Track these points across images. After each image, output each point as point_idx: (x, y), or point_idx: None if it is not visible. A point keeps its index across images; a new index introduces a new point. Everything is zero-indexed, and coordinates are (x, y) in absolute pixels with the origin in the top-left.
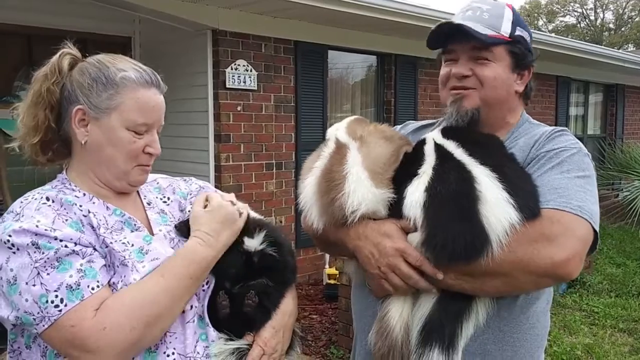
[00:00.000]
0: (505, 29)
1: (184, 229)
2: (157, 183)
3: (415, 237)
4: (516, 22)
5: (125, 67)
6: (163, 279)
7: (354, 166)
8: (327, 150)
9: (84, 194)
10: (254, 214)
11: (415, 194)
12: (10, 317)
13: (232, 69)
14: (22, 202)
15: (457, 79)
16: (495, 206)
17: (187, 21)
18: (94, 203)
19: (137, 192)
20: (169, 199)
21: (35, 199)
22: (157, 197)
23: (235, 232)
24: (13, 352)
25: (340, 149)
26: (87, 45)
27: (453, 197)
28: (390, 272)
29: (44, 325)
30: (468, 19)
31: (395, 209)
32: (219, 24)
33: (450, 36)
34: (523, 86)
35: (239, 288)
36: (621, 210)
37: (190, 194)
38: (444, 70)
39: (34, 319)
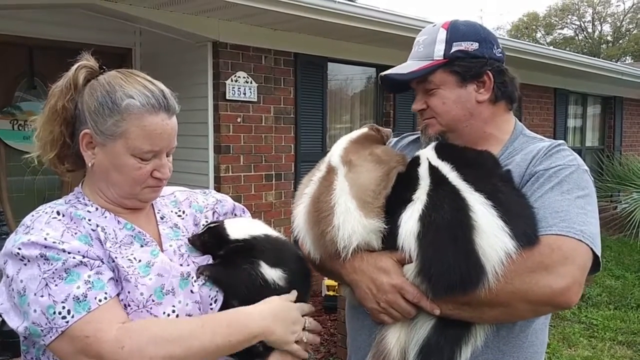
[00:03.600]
0: (438, 53)
1: (196, 243)
2: (174, 196)
3: (411, 269)
4: (452, 38)
5: (134, 91)
6: (201, 330)
7: (341, 195)
8: (318, 174)
9: (97, 208)
10: (274, 232)
11: (409, 222)
12: (19, 329)
13: (232, 80)
14: (33, 215)
15: (419, 114)
16: (491, 235)
17: (187, 33)
18: (105, 217)
19: (152, 205)
20: (184, 212)
21: (46, 212)
22: (171, 211)
23: (281, 341)
24: None
25: (329, 175)
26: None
27: (447, 226)
28: (390, 307)
29: (51, 337)
30: (410, 58)
31: (389, 238)
32: (220, 36)
33: (386, 87)
34: (488, 93)
35: None
36: (620, 222)
37: (207, 208)
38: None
39: (42, 330)
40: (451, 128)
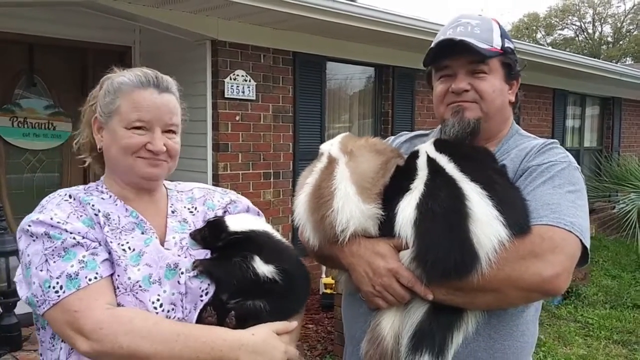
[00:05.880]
0: (497, 42)
1: (197, 237)
2: (192, 193)
3: (407, 254)
4: (504, 35)
5: (129, 74)
6: (175, 338)
7: (341, 181)
8: (319, 165)
9: (110, 196)
10: (276, 234)
11: (407, 210)
12: (24, 297)
13: (231, 79)
14: (50, 197)
15: (456, 94)
16: (485, 224)
17: (186, 31)
18: (116, 205)
19: (167, 199)
20: (196, 209)
21: (60, 195)
22: (184, 207)
23: None
24: (37, 330)
25: (330, 164)
26: (87, 54)
27: (443, 214)
28: (385, 291)
29: (44, 308)
30: (460, 34)
31: (387, 225)
32: (218, 35)
33: (443, 53)
34: (513, 96)
35: (234, 303)
36: (617, 222)
37: (219, 207)
38: (440, 86)
39: (37, 301)
40: (489, 117)
